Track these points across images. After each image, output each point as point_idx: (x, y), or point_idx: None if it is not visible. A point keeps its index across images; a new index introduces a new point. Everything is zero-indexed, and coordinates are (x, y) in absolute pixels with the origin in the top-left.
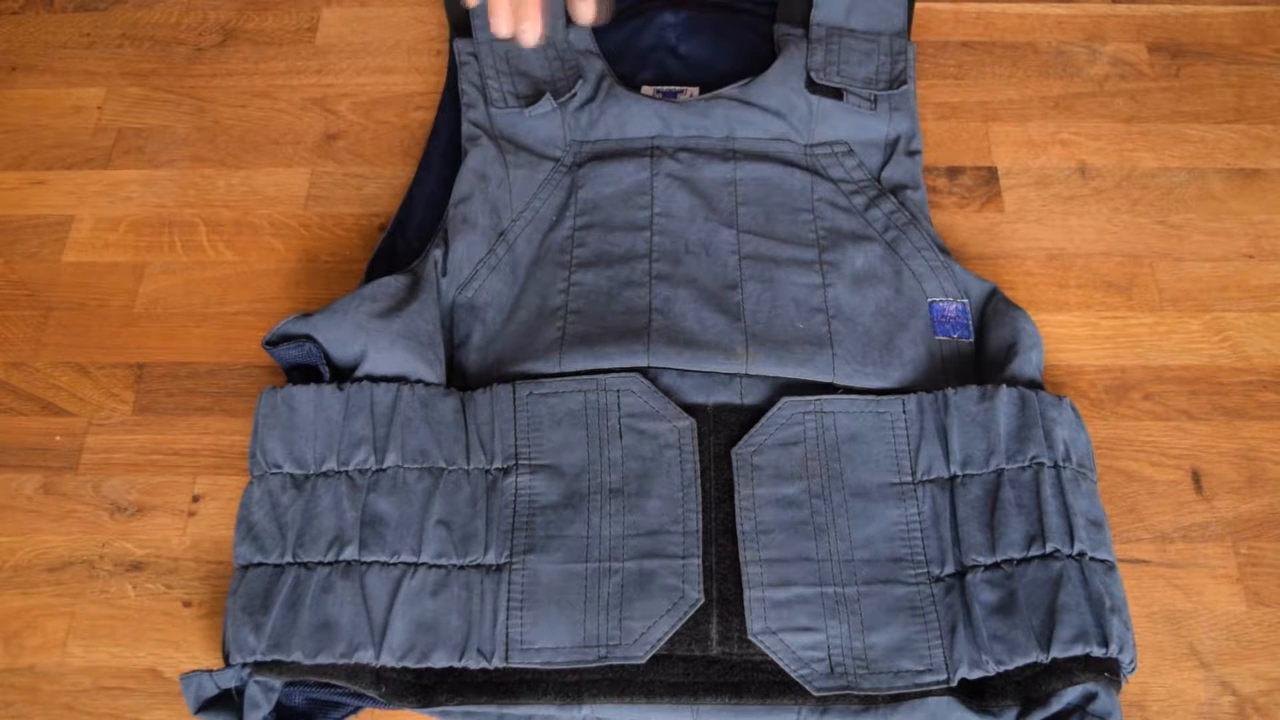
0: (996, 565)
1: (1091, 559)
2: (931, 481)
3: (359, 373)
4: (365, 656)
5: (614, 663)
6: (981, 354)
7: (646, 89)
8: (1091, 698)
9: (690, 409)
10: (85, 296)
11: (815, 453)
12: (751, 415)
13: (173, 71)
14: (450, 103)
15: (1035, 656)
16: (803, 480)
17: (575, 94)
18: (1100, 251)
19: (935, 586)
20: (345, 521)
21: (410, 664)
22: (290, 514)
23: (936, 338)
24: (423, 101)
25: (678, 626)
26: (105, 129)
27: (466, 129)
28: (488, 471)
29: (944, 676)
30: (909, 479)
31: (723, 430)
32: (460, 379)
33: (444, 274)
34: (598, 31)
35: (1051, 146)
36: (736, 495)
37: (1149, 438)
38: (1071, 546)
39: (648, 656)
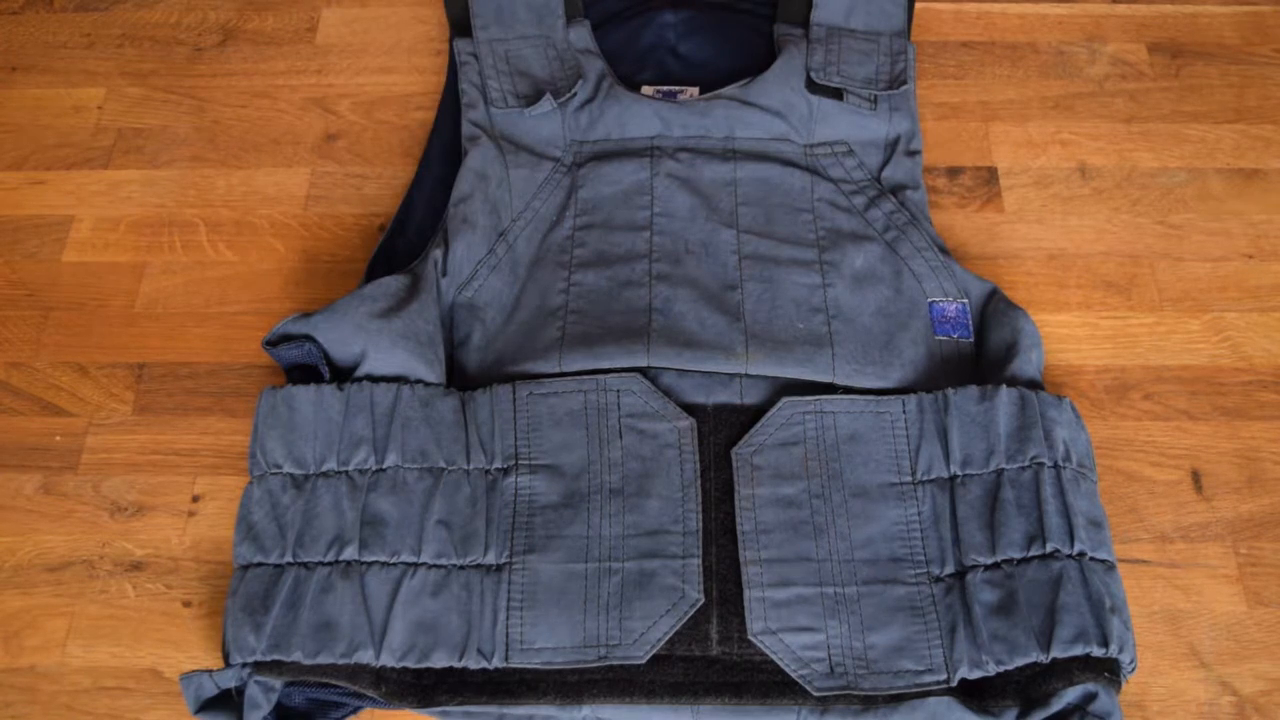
0: (996, 565)
1: (1091, 559)
2: (931, 481)
3: (359, 373)
4: (365, 656)
5: (614, 663)
6: (981, 354)
7: (646, 89)
8: (1091, 698)
9: (690, 409)
10: (85, 296)
11: (815, 453)
12: (751, 415)
13: (173, 71)
14: (450, 103)
15: (1035, 656)
16: (803, 480)
17: (575, 94)
18: (1100, 251)
19: (935, 586)
20: (345, 521)
21: (410, 664)
22: (290, 514)
23: (936, 338)
24: (423, 101)
25: (678, 626)
26: (105, 129)
27: (466, 129)
28: (488, 471)
29: (944, 676)
30: (909, 479)
31: (723, 430)
32: (460, 379)
33: (444, 274)
34: (598, 31)
35: (1051, 146)
36: (736, 495)
37: (1149, 438)
38: (1071, 546)
39: (648, 656)
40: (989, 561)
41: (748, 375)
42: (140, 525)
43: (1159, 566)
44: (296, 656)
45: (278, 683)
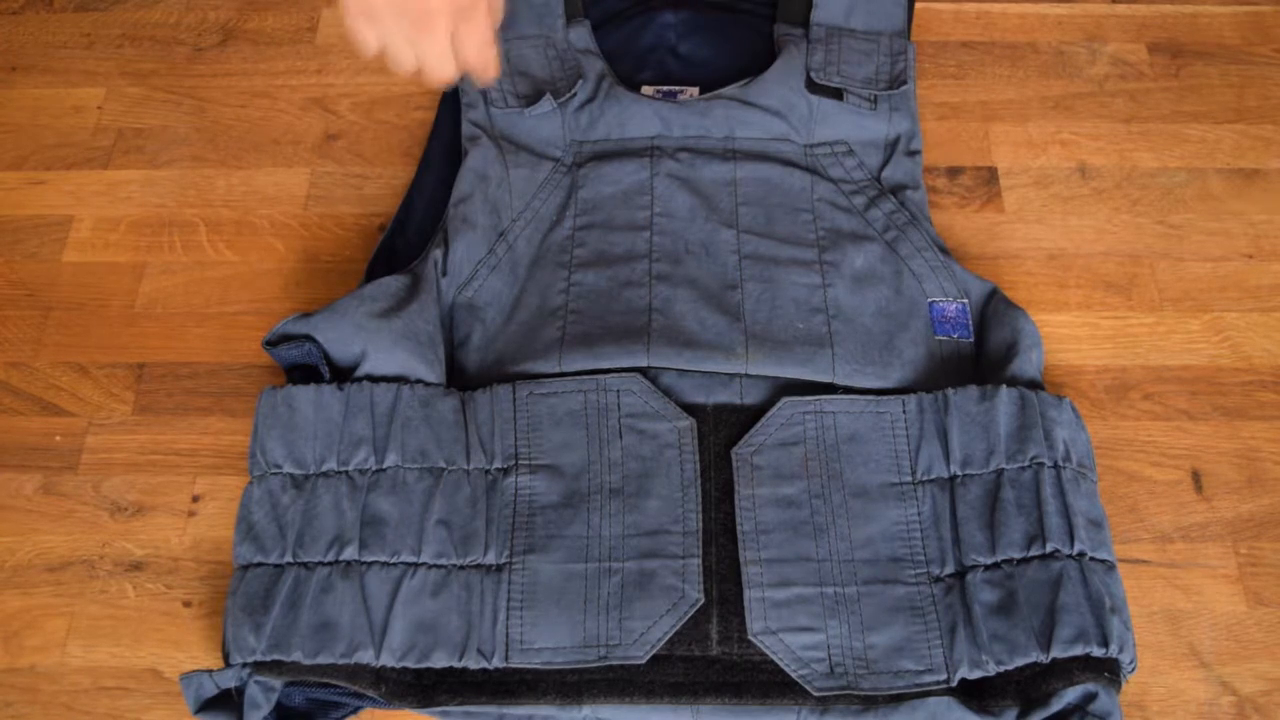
0: (996, 565)
1: (1091, 559)
2: (931, 481)
3: (359, 373)
4: (365, 656)
5: (614, 663)
6: (981, 354)
7: (646, 89)
8: (1091, 698)
9: (690, 409)
10: (85, 296)
11: (815, 453)
12: (751, 415)
13: (173, 71)
14: (450, 103)
15: (1035, 656)
16: (803, 480)
17: (575, 94)
18: (1100, 251)
19: (935, 586)
20: (345, 521)
21: (410, 664)
22: (290, 514)
23: (936, 338)
24: (423, 101)
25: (678, 626)
26: (105, 129)
27: (466, 129)
28: (488, 471)
29: (944, 676)
30: (909, 479)
31: (723, 430)
32: (460, 379)
33: (444, 274)
34: (598, 31)
35: (1051, 146)
36: (736, 495)
37: (1149, 438)
38: (1071, 546)
39: (648, 656)
40: (989, 561)
41: (748, 375)
42: (140, 525)
43: (1159, 566)
44: (296, 656)
45: (278, 683)
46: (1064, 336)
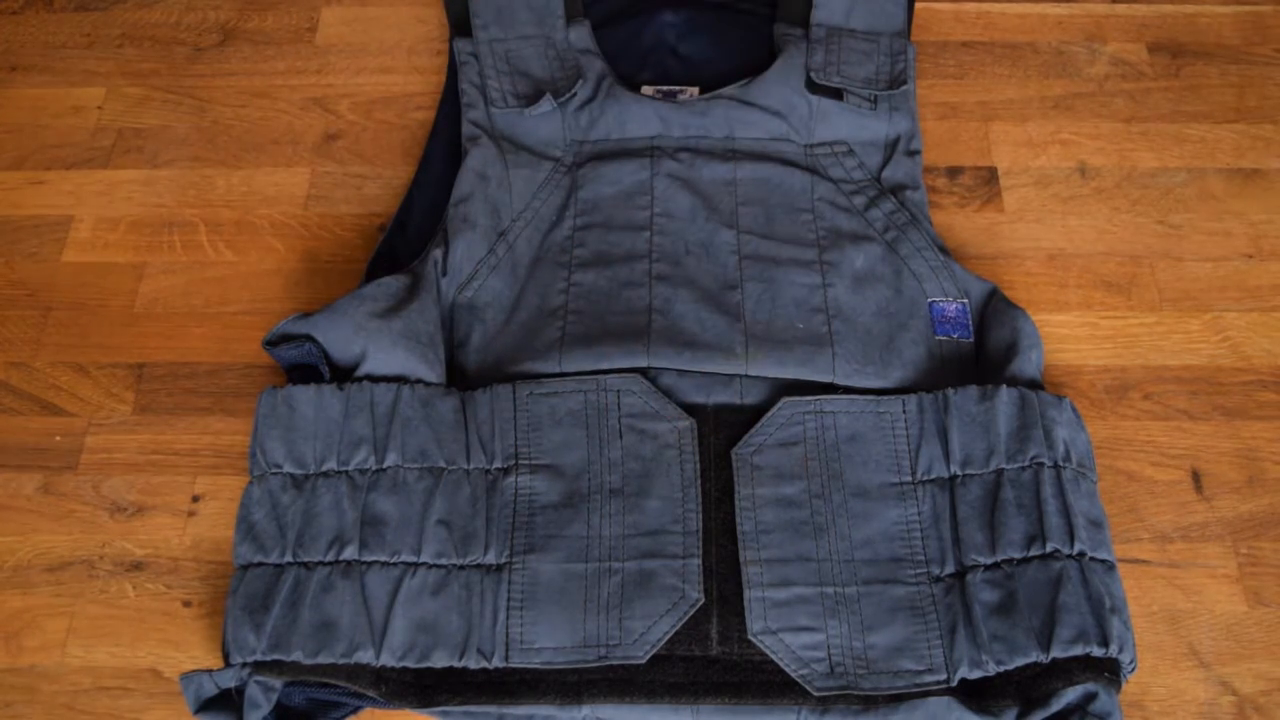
0: (996, 565)
1: (1091, 559)
2: (931, 481)
3: (359, 373)
4: (365, 656)
5: (614, 663)
6: (981, 354)
7: (646, 89)
8: (1091, 697)
9: (690, 409)
10: (85, 296)
11: (815, 453)
12: (752, 415)
13: (173, 71)
14: (450, 103)
15: (1035, 656)
16: (803, 480)
17: (575, 94)
18: (1100, 251)
19: (935, 586)
20: (345, 521)
21: (410, 664)
22: (290, 514)
23: (936, 338)
24: (423, 101)
25: (678, 626)
26: (105, 129)
27: (466, 129)
28: (488, 471)
29: (944, 676)
30: (909, 479)
31: (723, 430)
32: (460, 379)
33: (444, 274)
34: (598, 31)
35: (1051, 146)
36: (736, 495)
37: (1149, 438)
38: (1071, 546)
39: (648, 656)
40: (989, 561)
41: (747, 376)
42: (140, 525)
43: (1159, 566)
44: (296, 656)
45: (278, 682)
46: (1064, 336)
